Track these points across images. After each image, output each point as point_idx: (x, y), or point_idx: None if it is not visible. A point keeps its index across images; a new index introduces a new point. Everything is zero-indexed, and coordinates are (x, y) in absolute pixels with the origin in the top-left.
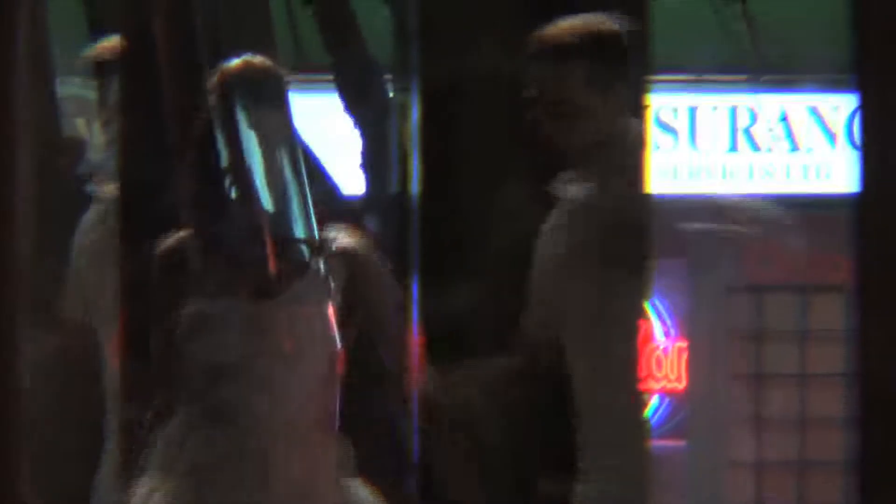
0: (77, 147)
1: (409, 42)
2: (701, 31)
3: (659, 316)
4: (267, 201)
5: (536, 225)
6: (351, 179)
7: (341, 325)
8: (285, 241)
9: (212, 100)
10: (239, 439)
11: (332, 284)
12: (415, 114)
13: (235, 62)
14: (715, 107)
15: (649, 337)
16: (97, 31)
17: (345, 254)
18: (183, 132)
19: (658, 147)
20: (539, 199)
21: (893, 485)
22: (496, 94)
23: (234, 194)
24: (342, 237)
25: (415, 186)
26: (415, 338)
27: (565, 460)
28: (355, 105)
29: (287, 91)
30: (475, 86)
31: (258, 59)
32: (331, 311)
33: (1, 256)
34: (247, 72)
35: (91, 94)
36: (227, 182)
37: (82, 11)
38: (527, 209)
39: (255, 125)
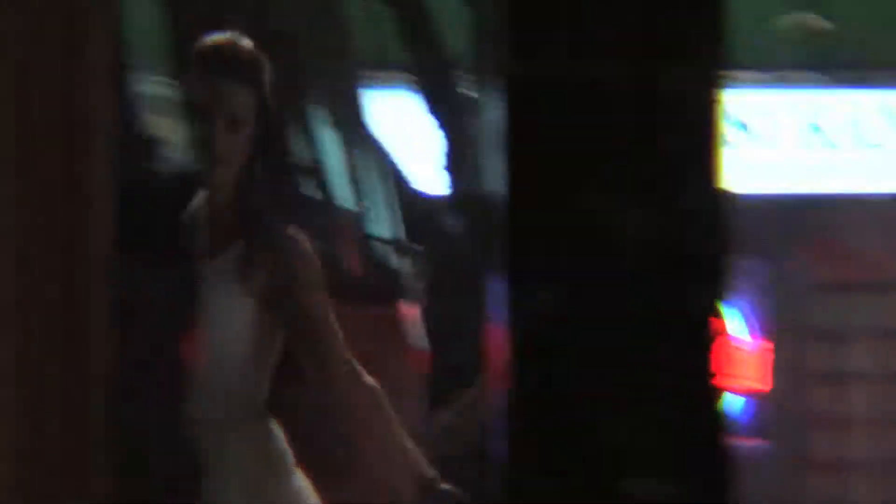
0: (159, 147)
1: (491, 40)
2: (778, 28)
3: (742, 316)
4: (348, 200)
5: (621, 226)
6: (433, 179)
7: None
8: (369, 241)
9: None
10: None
11: (419, 285)
12: (499, 113)
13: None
14: (789, 104)
15: (727, 337)
16: (178, 33)
17: (286, 252)
18: (264, 134)
19: (733, 144)
20: (623, 200)
21: None
22: (582, 93)
23: (318, 195)
24: (291, 234)
25: (500, 186)
26: (502, 337)
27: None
28: (435, 104)
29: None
30: (560, 84)
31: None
32: (416, 310)
33: (86, 257)
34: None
35: (171, 94)
36: (310, 182)
37: (163, 13)
38: (612, 210)
39: (333, 124)
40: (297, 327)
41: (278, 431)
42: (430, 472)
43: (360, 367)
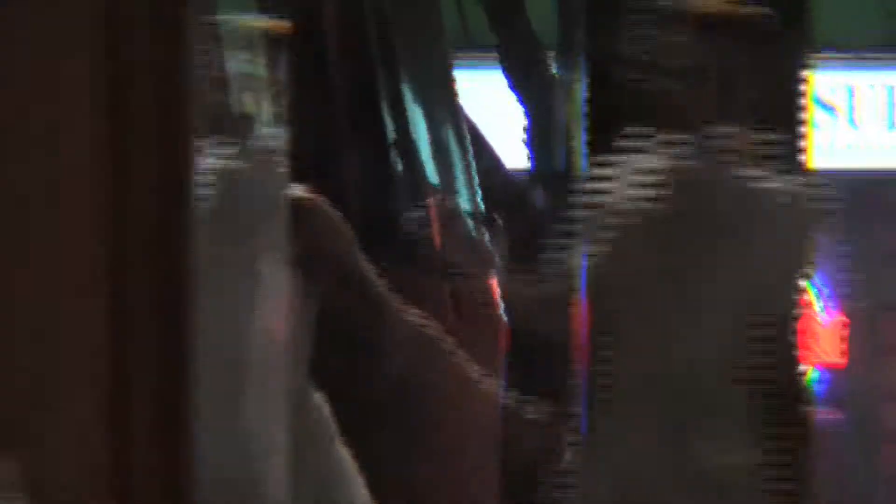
0: (246, 123)
1: (575, 21)
2: (862, 9)
3: (817, 290)
4: (433, 175)
5: (698, 200)
6: (516, 155)
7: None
8: (449, 211)
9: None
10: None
11: (497, 257)
12: (581, 91)
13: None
14: (873, 85)
15: (808, 311)
16: (266, 10)
17: (296, 206)
18: (350, 109)
19: (817, 125)
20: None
21: None
22: (664, 75)
23: (400, 168)
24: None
25: (581, 163)
26: (583, 310)
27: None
28: (520, 83)
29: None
30: (636, 63)
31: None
32: (495, 282)
33: (178, 241)
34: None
35: (260, 71)
36: (393, 156)
37: None
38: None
39: (421, 101)
40: (343, 289)
41: (321, 402)
42: (509, 397)
43: (411, 313)
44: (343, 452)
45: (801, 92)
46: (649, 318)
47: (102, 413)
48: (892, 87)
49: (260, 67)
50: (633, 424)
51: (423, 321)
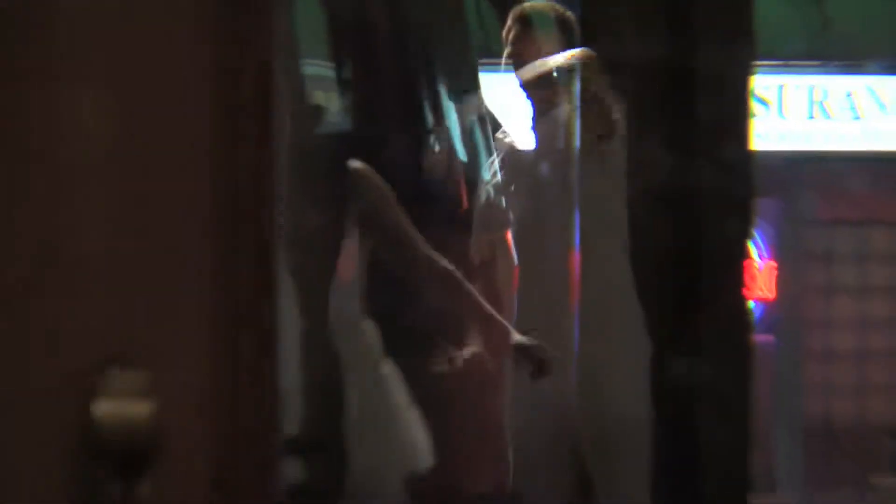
0: (319, 113)
1: (572, 30)
2: (789, 28)
3: (755, 243)
4: (462, 153)
5: (680, 187)
6: (524, 138)
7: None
8: (474, 182)
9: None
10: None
11: (510, 215)
12: (577, 90)
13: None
14: (798, 85)
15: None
16: (333, 23)
17: (354, 175)
18: (399, 103)
19: (755, 115)
20: (686, 167)
21: None
22: (646, 74)
23: (436, 148)
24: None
25: (575, 144)
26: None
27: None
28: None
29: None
30: (628, 67)
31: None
32: (509, 235)
33: (269, 200)
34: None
35: (330, 73)
36: (431, 139)
37: (320, 8)
38: (675, 174)
39: (453, 97)
40: (387, 238)
41: (371, 328)
42: (517, 332)
43: (438, 258)
44: (389, 370)
45: (747, 91)
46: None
47: (211, 343)
48: (811, 87)
49: (329, 70)
50: (612, 346)
51: (447, 264)
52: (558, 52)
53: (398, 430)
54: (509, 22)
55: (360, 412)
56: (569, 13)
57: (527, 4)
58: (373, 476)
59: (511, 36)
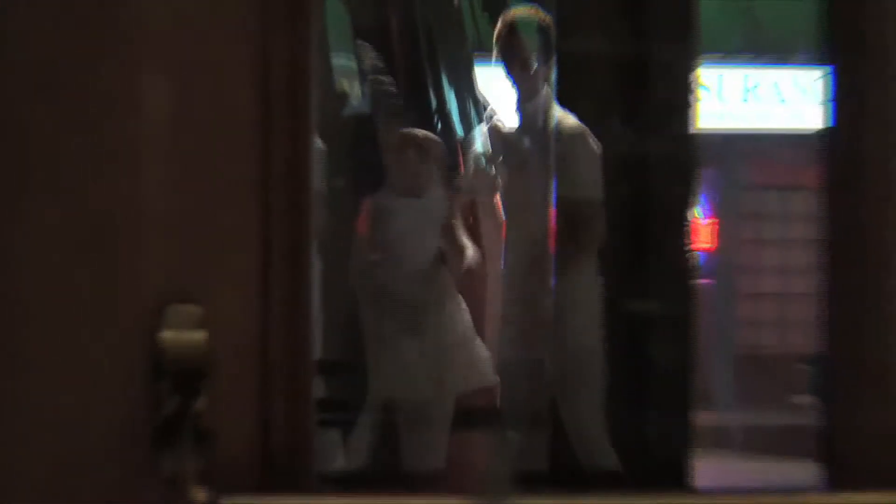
0: (346, 97)
1: (549, 34)
2: (726, 26)
3: (699, 204)
4: (460, 131)
5: (637, 157)
6: (511, 117)
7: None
8: (470, 154)
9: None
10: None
11: (499, 181)
12: (553, 79)
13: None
14: (734, 74)
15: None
16: (357, 23)
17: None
18: (408, 89)
19: (699, 99)
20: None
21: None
22: (610, 66)
23: (439, 127)
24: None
25: (552, 123)
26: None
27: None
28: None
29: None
30: (597, 59)
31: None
32: (498, 196)
33: (305, 174)
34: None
35: (353, 65)
36: (435, 119)
37: (345, 8)
38: (633, 147)
39: (453, 85)
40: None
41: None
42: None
43: (463, 236)
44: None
45: (693, 79)
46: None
47: (256, 285)
48: (746, 76)
49: (352, 62)
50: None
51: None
52: (539, 51)
53: (469, 353)
54: (499, 25)
55: (434, 340)
56: (548, 18)
57: (514, 11)
58: (438, 392)
59: (500, 37)
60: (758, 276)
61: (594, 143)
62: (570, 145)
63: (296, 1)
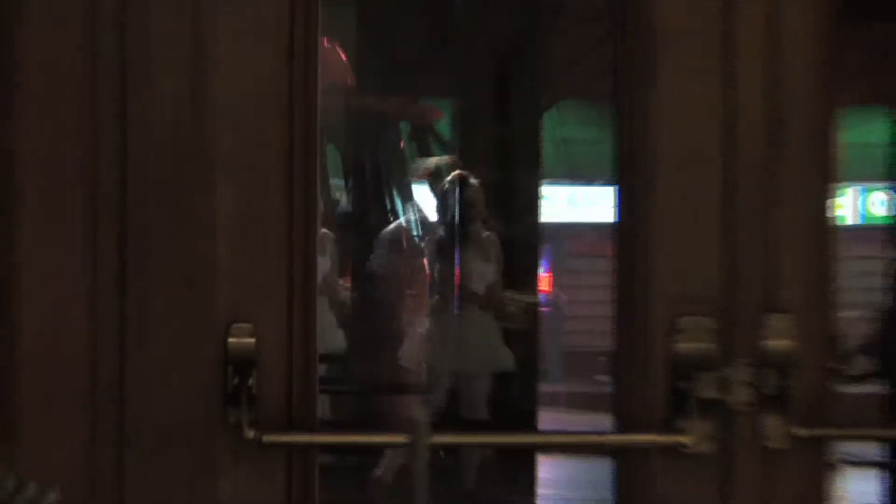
0: (338, 202)
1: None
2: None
3: (544, 265)
4: (403, 221)
5: (501, 235)
6: (432, 215)
7: None
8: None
9: None
10: None
11: (426, 253)
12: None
13: None
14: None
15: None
16: (345, 160)
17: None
18: (374, 194)
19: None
20: (505, 228)
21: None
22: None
23: (391, 218)
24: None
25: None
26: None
27: None
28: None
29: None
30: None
31: None
32: (425, 262)
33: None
34: None
35: (341, 183)
36: (389, 215)
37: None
38: (498, 230)
39: (400, 196)
40: None
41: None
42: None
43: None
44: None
45: (539, 193)
46: None
47: (286, 299)
48: (568, 191)
49: (341, 181)
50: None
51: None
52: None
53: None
54: (427, 169)
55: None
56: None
57: (429, 160)
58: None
59: (428, 174)
60: (576, 306)
61: (495, 245)
62: (480, 246)
63: (311, 148)
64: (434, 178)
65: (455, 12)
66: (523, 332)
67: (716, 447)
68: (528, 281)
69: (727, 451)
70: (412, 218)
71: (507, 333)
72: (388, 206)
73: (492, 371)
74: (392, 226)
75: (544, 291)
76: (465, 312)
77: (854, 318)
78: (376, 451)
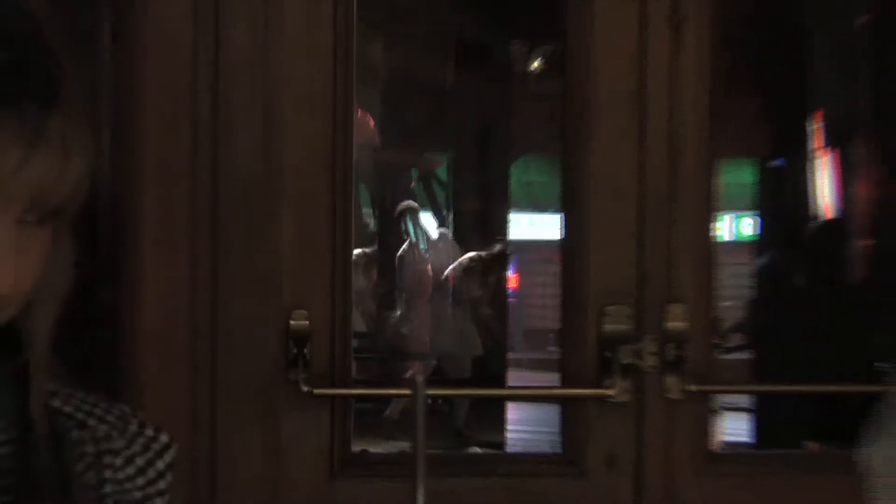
0: (366, 227)
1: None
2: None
3: (512, 268)
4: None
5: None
6: (435, 234)
7: None
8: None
9: None
10: None
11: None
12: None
13: None
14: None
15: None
16: (371, 193)
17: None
18: (391, 223)
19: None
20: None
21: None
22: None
23: (406, 239)
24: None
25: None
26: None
27: None
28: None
29: None
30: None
31: None
32: (428, 269)
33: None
34: None
35: (370, 211)
36: (405, 238)
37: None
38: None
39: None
40: None
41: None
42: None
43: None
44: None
45: (506, 224)
46: None
47: (329, 287)
48: (530, 216)
49: (369, 210)
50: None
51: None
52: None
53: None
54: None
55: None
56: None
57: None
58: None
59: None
60: (534, 297)
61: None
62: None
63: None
64: (410, 212)
65: (450, 92)
66: (498, 316)
67: (632, 398)
68: (500, 279)
69: (640, 401)
70: (420, 236)
71: (486, 317)
72: (403, 228)
73: (465, 354)
74: (405, 244)
75: (512, 287)
76: (439, 306)
77: (730, 306)
78: (388, 400)
